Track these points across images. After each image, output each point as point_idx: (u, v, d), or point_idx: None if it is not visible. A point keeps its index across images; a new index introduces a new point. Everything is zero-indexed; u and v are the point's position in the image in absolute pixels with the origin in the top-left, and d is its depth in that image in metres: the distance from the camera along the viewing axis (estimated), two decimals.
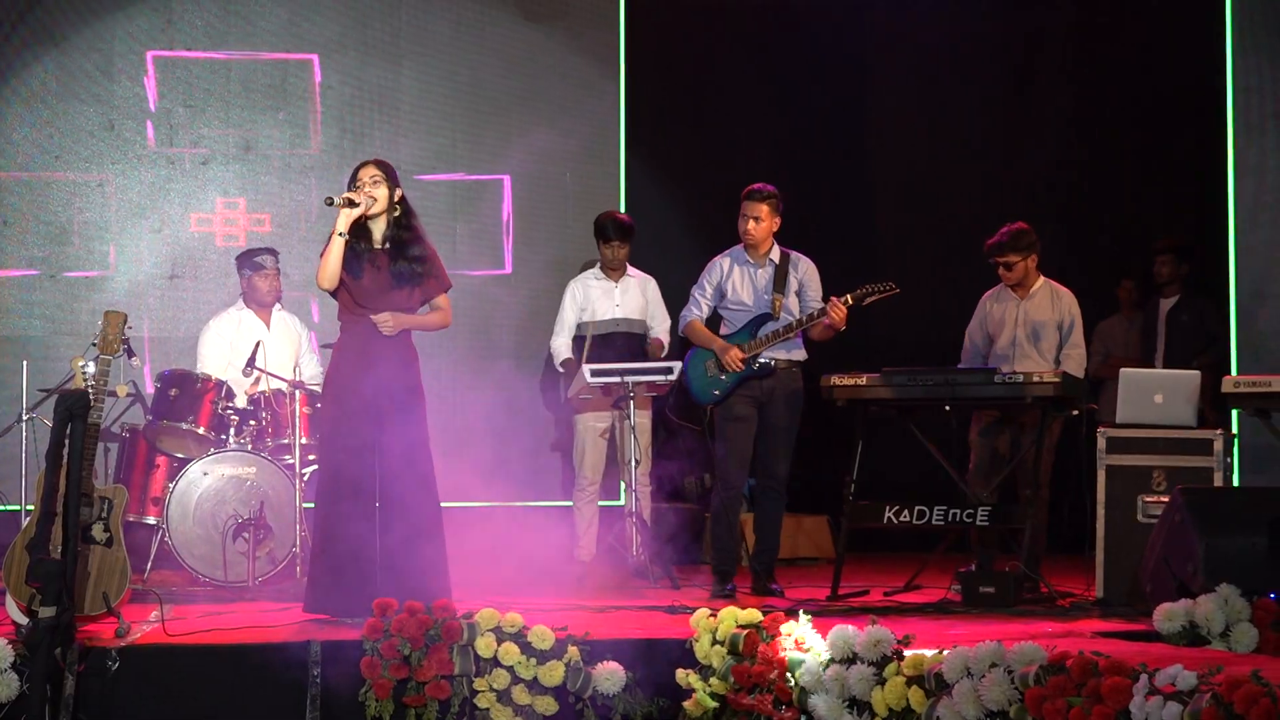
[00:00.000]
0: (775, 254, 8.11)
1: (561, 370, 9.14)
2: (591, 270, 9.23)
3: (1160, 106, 10.96)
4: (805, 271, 8.12)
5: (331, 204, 6.66)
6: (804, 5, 11.07)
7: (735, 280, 8.11)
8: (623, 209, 10.00)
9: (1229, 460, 7.51)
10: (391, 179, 6.79)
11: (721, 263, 8.18)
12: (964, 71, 11.17)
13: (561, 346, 9.14)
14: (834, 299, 7.83)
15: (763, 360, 7.95)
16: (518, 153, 10.23)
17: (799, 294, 8.08)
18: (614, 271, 9.14)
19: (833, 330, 7.89)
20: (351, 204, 6.64)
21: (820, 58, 11.13)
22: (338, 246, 6.65)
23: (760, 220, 8.01)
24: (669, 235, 9.98)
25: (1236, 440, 8.00)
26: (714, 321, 8.22)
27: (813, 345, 8.14)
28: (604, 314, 9.10)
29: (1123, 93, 11.13)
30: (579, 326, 9.14)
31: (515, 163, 10.25)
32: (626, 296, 9.13)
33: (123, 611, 6.35)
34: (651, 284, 9.24)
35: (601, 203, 9.81)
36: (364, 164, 6.82)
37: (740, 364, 7.92)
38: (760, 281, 8.08)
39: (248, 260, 8.88)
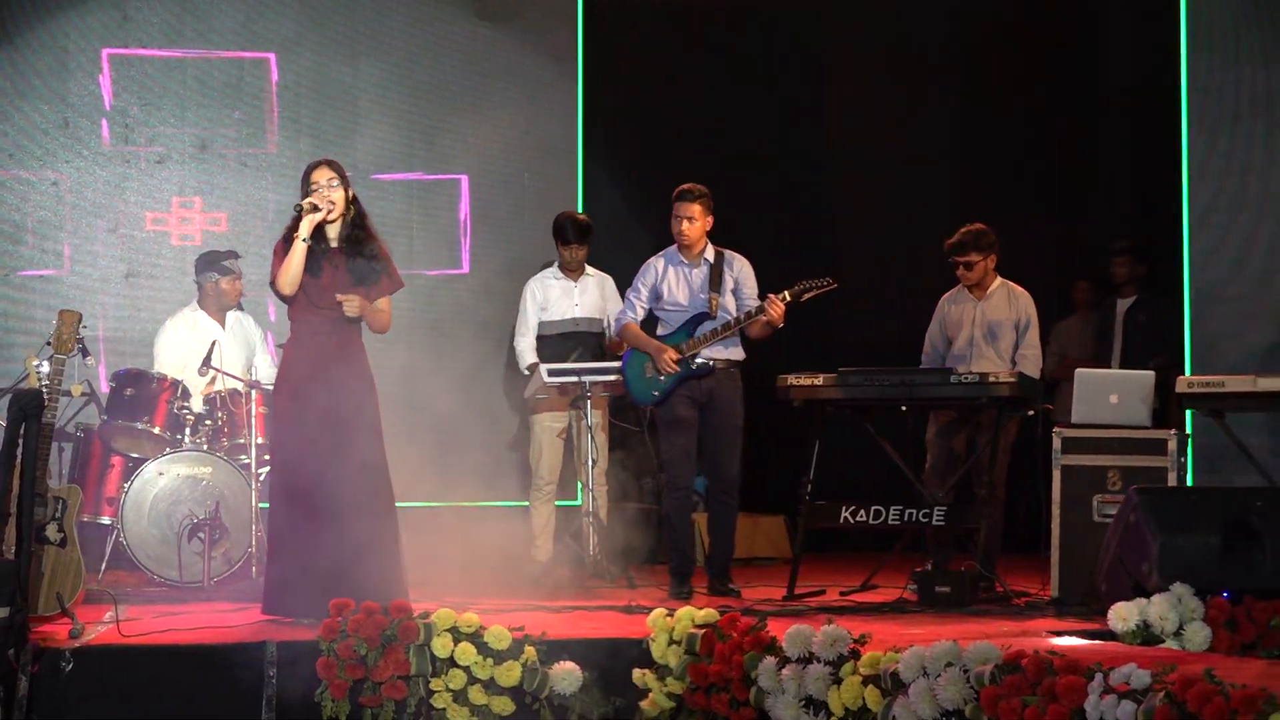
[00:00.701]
0: (709, 253, 8.09)
1: (527, 373, 9.09)
2: (550, 270, 9.21)
3: (1115, 107, 11.01)
4: (740, 270, 8.10)
5: (301, 211, 6.62)
6: (761, 4, 11.09)
7: (670, 281, 8.09)
8: (581, 209, 9.97)
9: (1183, 460, 7.55)
10: (345, 180, 6.76)
11: (656, 264, 8.16)
12: (921, 73, 11.21)
13: (526, 348, 9.10)
14: (772, 296, 7.82)
15: (700, 360, 7.93)
16: (476, 152, 10.19)
17: (735, 292, 8.06)
18: (572, 272, 9.13)
19: (771, 328, 7.88)
20: (316, 209, 6.61)
21: (778, 57, 11.17)
22: (300, 251, 6.60)
23: (694, 220, 8.00)
24: (627, 235, 9.95)
25: (1190, 440, 8.03)
26: (650, 323, 8.19)
27: (770, 346, 8.14)
28: (563, 313, 9.08)
29: (1078, 93, 11.19)
30: (539, 326, 9.12)
31: (473, 162, 10.21)
32: (585, 296, 9.12)
33: (77, 612, 6.32)
34: (609, 282, 9.23)
35: (560, 203, 9.77)
36: (316, 165, 6.78)
37: (675, 367, 7.90)
38: (695, 281, 8.06)
39: (213, 263, 8.81)
